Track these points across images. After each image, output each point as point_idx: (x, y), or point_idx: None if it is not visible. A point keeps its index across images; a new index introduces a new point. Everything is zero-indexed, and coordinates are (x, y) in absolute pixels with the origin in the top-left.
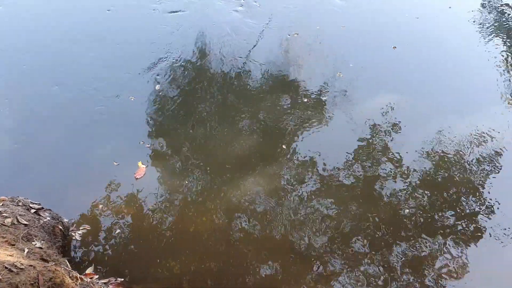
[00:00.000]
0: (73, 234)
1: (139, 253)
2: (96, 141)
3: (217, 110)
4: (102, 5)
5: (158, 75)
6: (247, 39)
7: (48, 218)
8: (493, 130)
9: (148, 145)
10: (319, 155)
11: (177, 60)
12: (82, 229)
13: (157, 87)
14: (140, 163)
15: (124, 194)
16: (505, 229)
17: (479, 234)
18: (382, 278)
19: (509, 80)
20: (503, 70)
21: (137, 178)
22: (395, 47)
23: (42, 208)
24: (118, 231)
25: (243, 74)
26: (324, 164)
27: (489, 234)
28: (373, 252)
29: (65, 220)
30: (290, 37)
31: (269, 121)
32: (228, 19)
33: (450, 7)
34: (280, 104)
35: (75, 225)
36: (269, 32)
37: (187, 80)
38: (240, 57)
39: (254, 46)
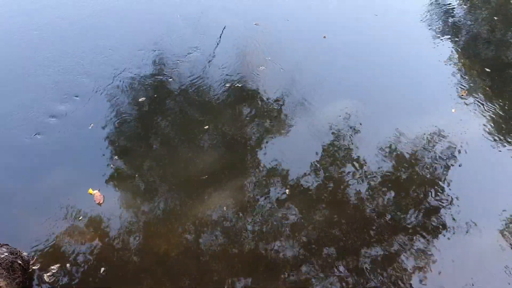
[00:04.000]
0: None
1: (107, 282)
2: (53, 169)
3: (178, 124)
4: None
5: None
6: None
7: (6, 254)
8: (446, 127)
9: (111, 167)
10: (283, 164)
11: (133, 74)
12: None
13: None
14: (90, 190)
15: (86, 221)
16: (461, 218)
17: (443, 226)
18: (355, 280)
19: (458, 77)
20: (452, 68)
21: (100, 204)
22: (325, 36)
23: None
24: (82, 260)
25: (203, 85)
26: (289, 172)
27: (451, 225)
28: (343, 256)
29: (25, 254)
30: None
31: (231, 133)
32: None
33: (376, 15)
34: (241, 114)
35: (35, 258)
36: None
37: (143, 95)
38: (200, 67)
39: (212, 57)
